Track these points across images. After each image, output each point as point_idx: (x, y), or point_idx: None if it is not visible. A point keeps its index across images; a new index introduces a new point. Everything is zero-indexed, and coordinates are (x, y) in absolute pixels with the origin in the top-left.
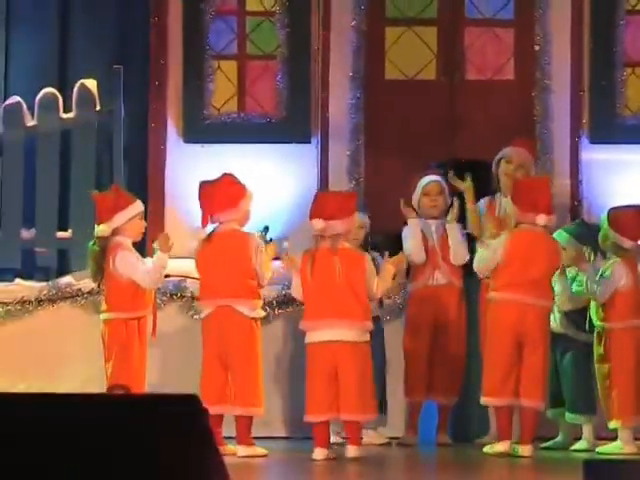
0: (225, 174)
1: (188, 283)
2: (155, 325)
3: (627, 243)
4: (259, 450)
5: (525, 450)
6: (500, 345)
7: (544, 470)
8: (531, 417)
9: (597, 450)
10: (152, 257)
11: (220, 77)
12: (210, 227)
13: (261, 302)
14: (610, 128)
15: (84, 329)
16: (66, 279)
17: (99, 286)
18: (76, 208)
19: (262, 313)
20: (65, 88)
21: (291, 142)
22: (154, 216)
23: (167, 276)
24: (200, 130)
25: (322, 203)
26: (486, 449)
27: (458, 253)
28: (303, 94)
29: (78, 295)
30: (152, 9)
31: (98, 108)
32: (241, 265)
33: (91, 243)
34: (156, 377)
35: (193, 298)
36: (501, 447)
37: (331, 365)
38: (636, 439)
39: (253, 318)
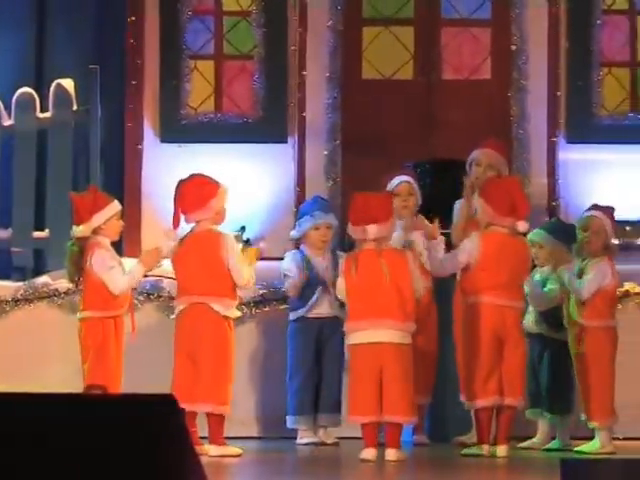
0: (194, 174)
1: (165, 283)
2: (134, 322)
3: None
4: (231, 449)
5: (501, 450)
6: (481, 348)
7: (521, 470)
8: (509, 416)
9: (575, 449)
10: (130, 258)
11: (197, 77)
12: (187, 227)
13: (236, 302)
14: (587, 128)
15: (61, 329)
16: (43, 279)
17: (77, 286)
18: (53, 208)
19: (237, 313)
20: (42, 88)
21: (268, 142)
22: (130, 216)
23: (144, 276)
24: (177, 130)
25: (365, 207)
26: (465, 451)
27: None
28: (280, 94)
29: (55, 295)
30: (129, 9)
31: (75, 108)
32: (215, 265)
33: (69, 244)
34: (132, 377)
35: (170, 298)
36: (481, 451)
37: (375, 366)
38: (616, 439)
39: (226, 317)
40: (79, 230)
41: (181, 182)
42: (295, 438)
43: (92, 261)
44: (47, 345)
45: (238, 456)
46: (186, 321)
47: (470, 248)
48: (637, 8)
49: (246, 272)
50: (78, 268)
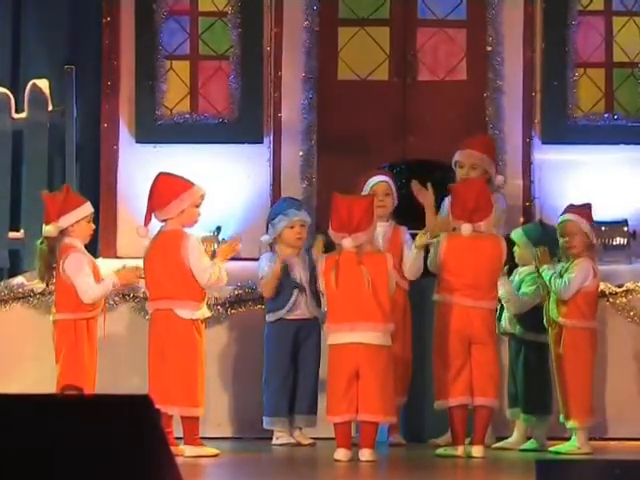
0: (160, 173)
1: (141, 284)
2: (105, 329)
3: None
4: (208, 450)
5: (477, 450)
6: (448, 347)
7: (496, 470)
8: (484, 417)
9: (551, 450)
10: (105, 259)
11: (172, 77)
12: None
13: (203, 303)
14: (562, 129)
15: (36, 330)
16: (18, 279)
17: (47, 286)
18: (28, 209)
19: (206, 313)
20: (17, 88)
21: (243, 142)
22: (106, 216)
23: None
24: (152, 130)
25: (348, 215)
26: (439, 451)
27: (412, 270)
28: (255, 94)
29: (30, 296)
30: (104, 9)
31: (50, 108)
32: (177, 266)
33: (39, 242)
34: (108, 378)
35: (145, 299)
36: (456, 452)
37: (352, 367)
38: (592, 439)
39: (192, 320)
40: (47, 229)
41: (153, 180)
42: (271, 439)
43: (65, 264)
44: (22, 345)
45: (215, 456)
46: (154, 327)
47: (436, 251)
48: (613, 9)
49: (214, 271)
50: (48, 268)
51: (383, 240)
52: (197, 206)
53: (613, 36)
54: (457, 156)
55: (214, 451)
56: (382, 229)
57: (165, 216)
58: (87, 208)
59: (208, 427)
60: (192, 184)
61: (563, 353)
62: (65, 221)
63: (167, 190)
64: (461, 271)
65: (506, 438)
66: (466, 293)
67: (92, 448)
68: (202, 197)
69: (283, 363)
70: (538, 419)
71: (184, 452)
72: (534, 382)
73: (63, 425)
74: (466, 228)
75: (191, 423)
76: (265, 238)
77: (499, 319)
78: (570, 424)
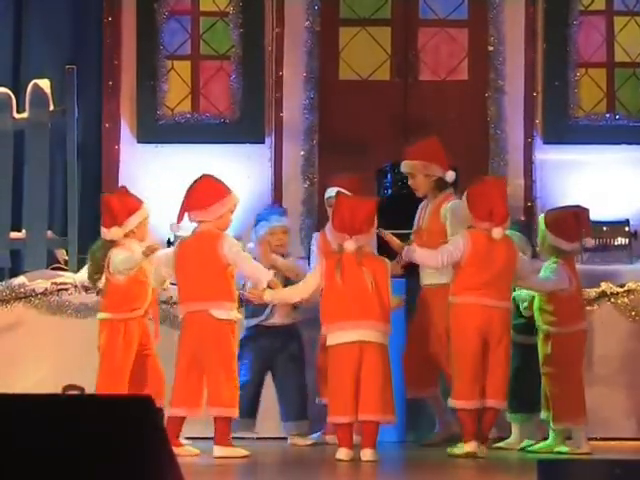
0: (204, 175)
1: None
2: (157, 329)
3: (565, 245)
4: (237, 451)
5: (480, 450)
6: (468, 348)
7: (497, 470)
8: (492, 417)
9: (534, 448)
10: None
11: (174, 77)
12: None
13: (235, 304)
14: (563, 129)
15: (37, 329)
16: (19, 279)
17: (95, 286)
18: (29, 209)
19: (237, 315)
20: (18, 88)
21: (245, 142)
22: None
23: None
24: (154, 130)
25: (350, 217)
26: (450, 450)
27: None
28: (257, 94)
29: (32, 295)
30: (106, 9)
31: (52, 108)
32: (215, 266)
33: (96, 247)
34: None
35: (174, 303)
36: (468, 448)
37: (355, 366)
38: (593, 439)
39: (227, 321)
40: (112, 232)
41: (195, 180)
42: (272, 439)
43: (109, 262)
44: (24, 345)
45: (244, 457)
46: (188, 328)
47: (461, 245)
48: (614, 9)
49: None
50: (99, 271)
51: None
52: (232, 212)
53: (614, 36)
54: (406, 168)
55: (243, 452)
56: None
57: (203, 217)
58: (146, 208)
59: (209, 427)
60: (231, 191)
61: (552, 356)
62: (132, 222)
63: (210, 193)
64: (483, 271)
65: (506, 438)
66: (487, 293)
67: (92, 448)
68: (236, 204)
69: (253, 368)
70: (525, 417)
71: (213, 452)
72: (521, 382)
73: (63, 425)
74: (498, 232)
75: (224, 423)
76: (251, 245)
77: None
78: (556, 425)
